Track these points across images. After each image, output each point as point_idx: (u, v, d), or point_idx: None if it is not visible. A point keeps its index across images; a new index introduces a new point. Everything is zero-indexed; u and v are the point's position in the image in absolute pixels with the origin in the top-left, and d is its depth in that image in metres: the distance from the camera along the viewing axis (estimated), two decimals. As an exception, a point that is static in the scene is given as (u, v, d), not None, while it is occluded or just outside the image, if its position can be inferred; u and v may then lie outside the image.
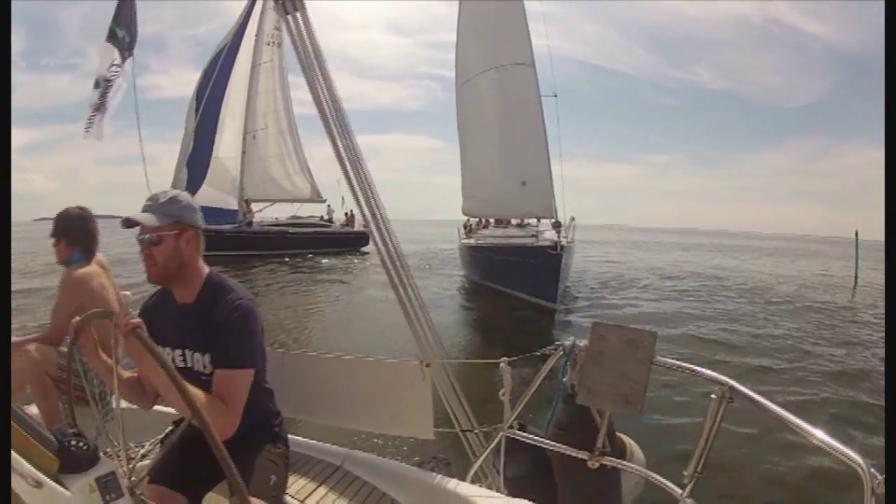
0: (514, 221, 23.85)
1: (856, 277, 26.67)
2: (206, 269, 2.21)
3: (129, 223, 2.06)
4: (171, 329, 2.11)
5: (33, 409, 3.09)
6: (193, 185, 29.04)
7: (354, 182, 3.08)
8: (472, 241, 22.77)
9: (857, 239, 29.60)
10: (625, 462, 2.89)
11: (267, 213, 34.01)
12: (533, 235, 18.37)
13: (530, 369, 3.35)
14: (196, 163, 29.42)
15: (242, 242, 29.90)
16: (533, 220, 21.22)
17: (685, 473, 2.42)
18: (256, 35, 32.69)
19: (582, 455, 2.81)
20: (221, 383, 2.01)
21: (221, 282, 2.20)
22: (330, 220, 36.04)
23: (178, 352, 2.13)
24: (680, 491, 2.42)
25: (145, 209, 2.10)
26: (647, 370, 2.74)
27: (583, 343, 3.00)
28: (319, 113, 3.05)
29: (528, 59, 20.33)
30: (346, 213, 35.53)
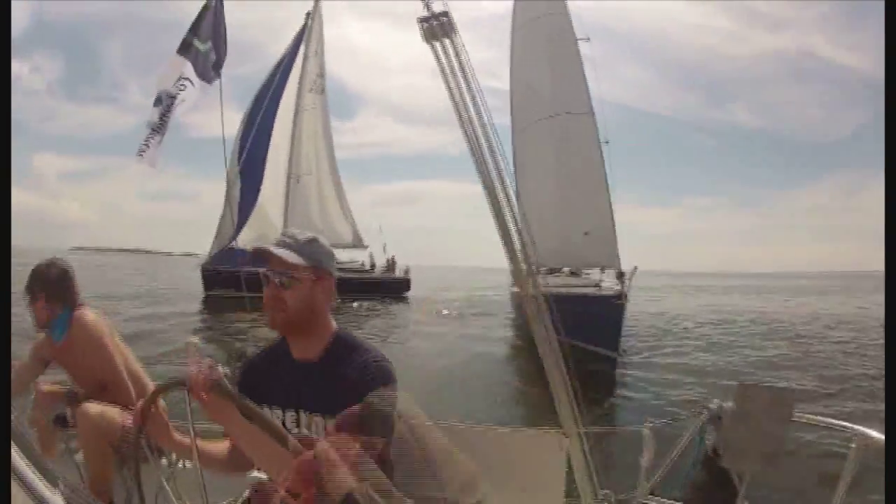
0: (565, 269, 23.57)
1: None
2: (334, 325, 1.93)
3: (260, 255, 1.81)
4: (284, 388, 1.84)
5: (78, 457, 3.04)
6: (238, 227, 29.52)
7: (509, 219, 2.94)
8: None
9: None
10: None
11: None
12: (596, 285, 18.26)
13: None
14: (243, 205, 29.80)
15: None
16: (588, 271, 21.31)
17: None
18: (300, 80, 33.55)
19: None
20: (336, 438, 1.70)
21: (353, 339, 1.93)
22: (372, 266, 36.23)
23: (291, 413, 1.84)
24: None
25: (281, 244, 1.82)
26: (785, 427, 2.91)
27: (728, 404, 3.10)
28: (469, 144, 2.88)
29: (587, 107, 20.57)
30: (388, 259, 36.19)
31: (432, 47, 2.79)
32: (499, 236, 2.95)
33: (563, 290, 19.25)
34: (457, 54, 2.80)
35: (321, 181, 34.56)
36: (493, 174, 2.89)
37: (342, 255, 35.25)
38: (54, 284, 3.07)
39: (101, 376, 3.01)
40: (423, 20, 2.75)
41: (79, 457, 3.00)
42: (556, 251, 20.14)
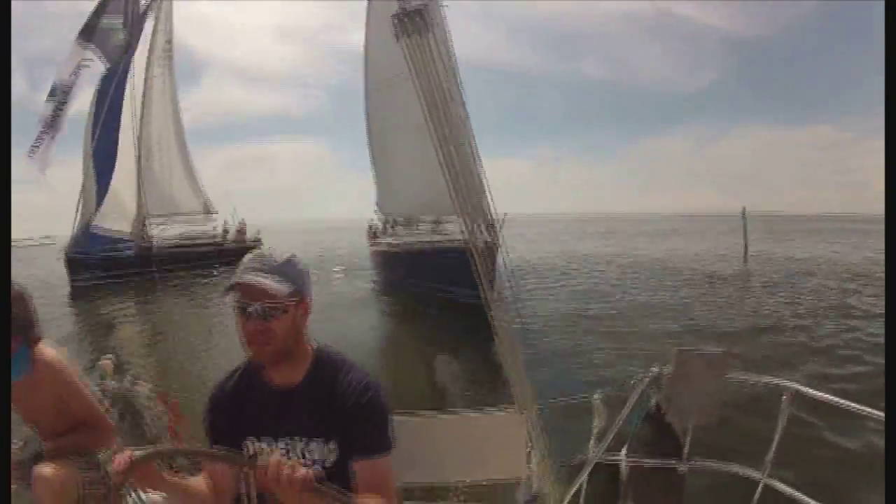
0: (424, 220, 24.10)
1: (746, 253, 29.80)
2: (311, 345, 1.87)
3: (245, 289, 1.67)
4: (268, 418, 1.76)
5: None
6: (97, 208, 28.34)
7: (463, 195, 3.00)
8: (385, 246, 23.08)
9: (744, 215, 32.74)
10: (711, 461, 3.26)
11: (166, 233, 33.66)
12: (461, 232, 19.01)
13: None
14: (99, 187, 28.50)
15: (145, 263, 29.21)
16: (448, 219, 22.01)
17: (766, 460, 2.88)
18: (150, 50, 32.30)
19: (672, 464, 3.19)
20: (370, 474, 1.72)
21: (333, 358, 1.87)
22: (225, 233, 35.79)
23: (283, 442, 1.77)
24: (759, 474, 2.91)
25: (259, 271, 1.69)
26: (723, 386, 3.26)
27: (667, 368, 3.37)
28: (438, 141, 2.89)
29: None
30: (240, 223, 36.10)
31: (404, 45, 2.76)
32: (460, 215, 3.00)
33: (429, 243, 20.13)
34: (434, 52, 2.74)
35: (170, 155, 33.64)
36: (458, 179, 2.98)
37: (194, 228, 35.04)
38: (13, 315, 2.53)
39: (78, 415, 2.69)
40: (397, 16, 2.74)
41: None
42: (424, 201, 20.75)
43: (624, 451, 3.41)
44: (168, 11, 33.84)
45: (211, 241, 34.67)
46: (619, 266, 27.47)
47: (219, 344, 13.39)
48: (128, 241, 30.55)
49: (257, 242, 35.63)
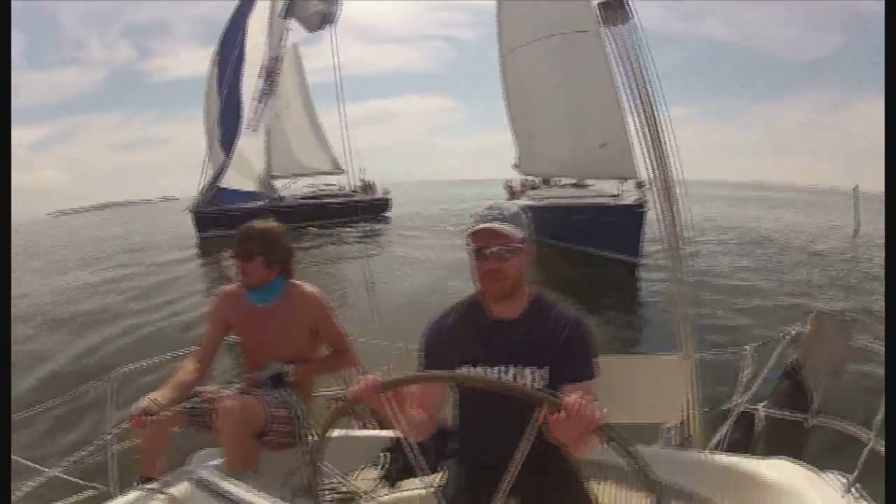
0: (563, 181, 24.37)
1: (857, 229, 28.31)
2: (528, 286, 2.06)
3: (495, 234, 1.89)
4: (481, 346, 1.92)
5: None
6: (223, 167, 29.63)
7: (652, 159, 3.00)
8: (534, 201, 22.35)
9: (856, 193, 31.16)
10: (835, 419, 3.39)
11: (291, 188, 34.96)
12: (614, 195, 19.07)
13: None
14: (225, 145, 29.77)
15: (276, 218, 29.86)
16: (590, 182, 22.28)
17: (877, 420, 2.81)
18: (270, 17, 32.67)
19: (802, 417, 3.44)
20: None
21: (545, 298, 2.08)
22: (354, 190, 36.40)
23: (499, 368, 1.93)
24: (868, 435, 2.88)
25: (495, 219, 1.91)
26: (849, 350, 3.60)
27: (805, 329, 3.72)
28: (636, 124, 2.95)
29: (592, 25, 20.33)
30: (362, 180, 36.49)
31: (608, 31, 2.93)
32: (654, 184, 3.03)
33: (578, 200, 20.09)
34: (632, 41, 2.87)
35: (296, 113, 34.62)
36: (655, 163, 3.01)
37: (323, 181, 36.28)
38: (277, 248, 2.89)
39: (332, 342, 2.98)
40: (601, 5, 2.92)
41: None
42: (570, 162, 20.80)
43: (763, 403, 3.69)
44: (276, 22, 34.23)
45: (343, 196, 35.43)
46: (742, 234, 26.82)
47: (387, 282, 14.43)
48: (259, 193, 31.50)
49: (387, 197, 36.61)
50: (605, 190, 20.66)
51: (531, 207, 21.78)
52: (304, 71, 36.23)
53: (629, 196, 17.72)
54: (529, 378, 1.90)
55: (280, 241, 2.90)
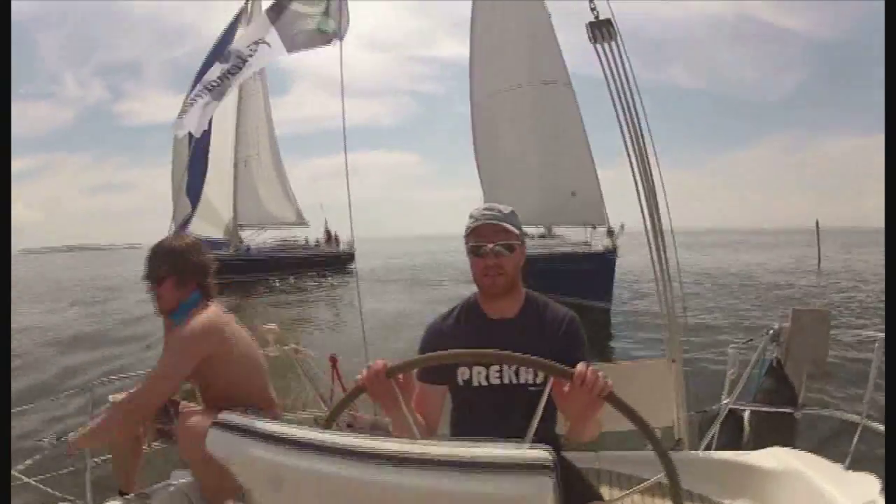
0: (535, 231, 24.66)
1: (819, 262, 31.64)
2: (521, 287, 2.12)
3: (494, 230, 1.96)
4: (480, 346, 1.81)
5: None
6: (190, 214, 29.61)
7: (643, 192, 3.24)
8: None
9: (818, 228, 34.81)
10: (821, 408, 3.75)
11: (256, 239, 35.20)
12: (584, 243, 19.83)
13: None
14: (192, 193, 29.88)
15: (240, 268, 30.28)
16: (558, 230, 23.01)
17: (864, 403, 3.23)
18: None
19: (788, 411, 3.69)
20: None
21: (539, 297, 2.14)
22: (317, 242, 37.05)
23: (495, 369, 1.98)
24: (858, 417, 3.22)
25: (493, 217, 1.99)
26: (827, 339, 3.82)
27: (785, 324, 3.92)
28: (625, 137, 3.18)
29: (564, 77, 21.51)
30: (326, 232, 36.97)
31: (596, 49, 3.16)
32: (641, 209, 3.26)
33: (545, 250, 20.29)
34: (621, 56, 3.14)
35: (264, 163, 34.96)
36: (639, 167, 3.22)
37: (285, 234, 36.43)
38: (185, 263, 2.66)
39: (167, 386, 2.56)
40: (591, 24, 3.14)
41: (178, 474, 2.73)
42: (541, 210, 21.07)
43: (750, 401, 3.97)
44: (259, 15, 35.04)
45: (307, 248, 35.97)
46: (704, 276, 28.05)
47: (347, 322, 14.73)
48: (225, 243, 32.04)
49: (350, 251, 36.81)
50: (571, 238, 21.21)
51: None
52: (273, 122, 36.65)
53: (597, 243, 18.40)
54: (524, 376, 1.95)
55: (191, 257, 2.67)
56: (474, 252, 1.99)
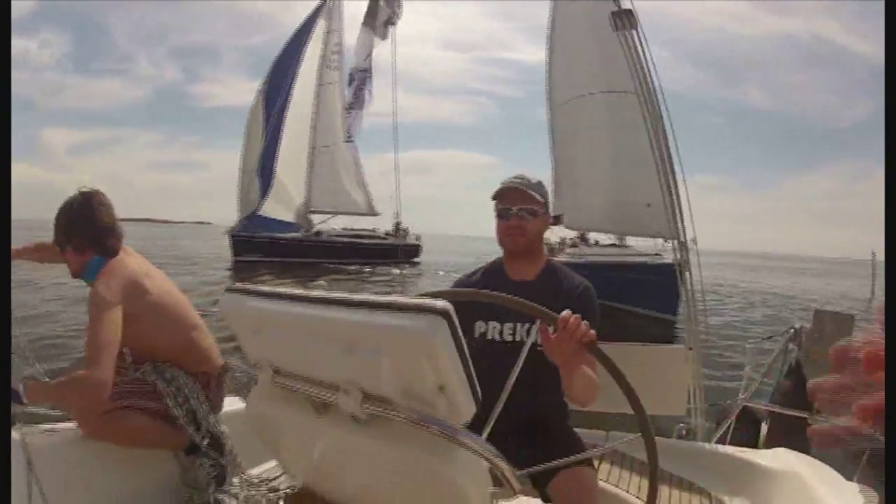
0: (605, 240, 25.63)
1: (872, 292, 31.01)
2: (545, 253, 2.27)
3: (511, 191, 2.12)
4: (499, 305, 1.87)
5: None
6: (262, 196, 31.15)
7: (665, 184, 3.61)
8: (574, 259, 23.22)
9: (874, 259, 33.17)
10: (837, 419, 3.79)
11: (326, 225, 35.95)
12: (657, 254, 20.12)
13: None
14: (264, 175, 31.38)
15: (309, 251, 31.41)
16: (630, 240, 23.35)
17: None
18: (322, 56, 35.18)
19: (804, 415, 3.57)
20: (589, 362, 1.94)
21: (558, 265, 2.30)
22: (387, 234, 37.55)
23: (509, 325, 2.10)
24: (870, 432, 3.30)
25: (521, 185, 2.13)
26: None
27: (806, 325, 4.03)
28: (650, 130, 3.57)
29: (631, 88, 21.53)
30: (396, 225, 37.85)
31: (620, 36, 3.49)
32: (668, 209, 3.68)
33: (618, 258, 21.07)
34: (642, 43, 3.48)
35: (340, 151, 35.80)
36: (660, 145, 3.60)
37: (358, 223, 36.74)
38: (79, 228, 2.42)
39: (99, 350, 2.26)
40: (614, 14, 3.54)
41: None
42: (614, 217, 21.28)
43: (767, 400, 3.96)
44: (339, 13, 36.51)
45: (377, 237, 36.47)
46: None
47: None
48: (295, 224, 33.23)
49: (418, 244, 37.98)
50: (642, 249, 21.31)
51: (570, 265, 22.83)
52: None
53: (669, 255, 18.39)
54: (536, 335, 1.94)
55: (80, 219, 2.40)
56: (500, 215, 2.16)
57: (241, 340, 1.32)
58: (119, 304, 2.25)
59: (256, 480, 2.33)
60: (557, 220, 25.24)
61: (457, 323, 1.04)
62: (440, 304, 1.02)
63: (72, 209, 2.40)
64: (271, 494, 2.14)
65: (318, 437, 1.25)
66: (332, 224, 35.72)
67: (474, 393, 1.09)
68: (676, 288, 16.25)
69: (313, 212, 34.86)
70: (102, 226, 2.40)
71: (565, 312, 1.63)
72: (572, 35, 22.52)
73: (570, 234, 27.05)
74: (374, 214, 37.40)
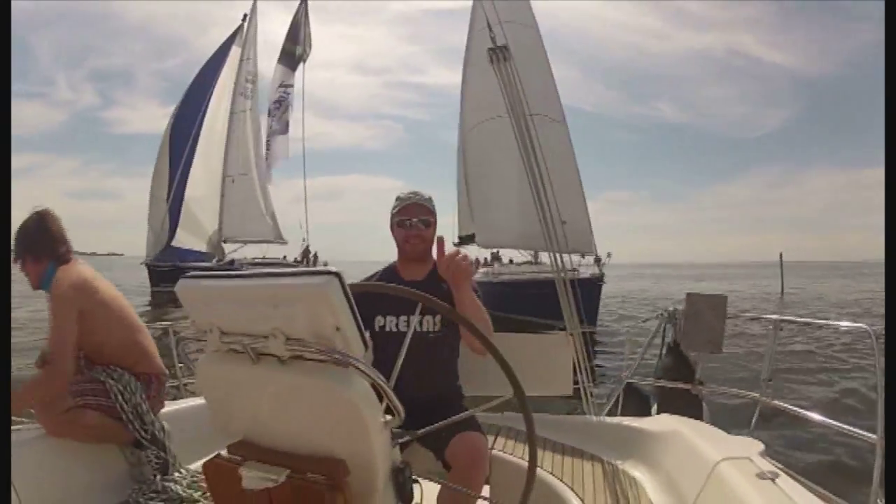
0: (519, 258, 26.45)
1: (782, 291, 34.55)
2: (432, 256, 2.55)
3: (414, 205, 2.51)
4: (394, 301, 2.23)
5: None
6: (172, 226, 30.90)
7: (542, 200, 3.98)
8: (487, 278, 24.33)
9: (781, 260, 37.76)
10: (714, 385, 4.07)
11: (239, 254, 35.51)
12: (573, 269, 20.59)
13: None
14: (174, 205, 31.23)
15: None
16: (544, 257, 23.65)
17: (763, 378, 3.66)
18: (235, 83, 35.19)
19: (686, 386, 4.09)
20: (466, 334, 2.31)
21: None
22: (296, 261, 36.82)
23: (403, 318, 2.43)
24: (757, 394, 3.64)
25: (419, 201, 2.53)
26: (724, 322, 4.21)
27: (680, 307, 4.39)
28: (521, 148, 3.98)
29: (559, 115, 22.74)
30: (306, 250, 37.22)
31: (496, 70, 3.93)
32: (543, 230, 4.00)
33: (536, 275, 21.35)
34: (515, 75, 3.91)
35: (251, 180, 35.61)
36: (535, 170, 3.97)
37: (269, 251, 36.55)
38: (35, 241, 2.69)
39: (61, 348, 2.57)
40: (490, 49, 3.99)
41: None
42: (529, 235, 21.30)
43: (650, 376, 4.37)
44: (253, 41, 36.68)
45: (286, 265, 35.85)
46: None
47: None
48: (209, 254, 33.18)
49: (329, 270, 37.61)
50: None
51: (484, 283, 22.53)
52: (262, 144, 37.44)
53: (584, 271, 19.61)
54: (430, 324, 2.45)
55: (34, 231, 2.69)
56: (401, 224, 2.53)
57: (194, 313, 1.51)
58: (74, 303, 2.53)
59: (196, 471, 2.59)
60: (469, 240, 25.84)
61: (345, 282, 1.31)
62: (334, 269, 1.31)
63: (28, 226, 2.68)
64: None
65: (254, 383, 1.47)
66: (244, 252, 35.32)
67: (361, 335, 1.36)
68: (597, 300, 17.51)
69: (226, 241, 34.61)
70: (55, 236, 2.69)
71: (452, 250, 2.10)
72: (485, 61, 23.06)
73: (484, 253, 28.07)
74: (283, 242, 37.32)
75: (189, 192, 32.39)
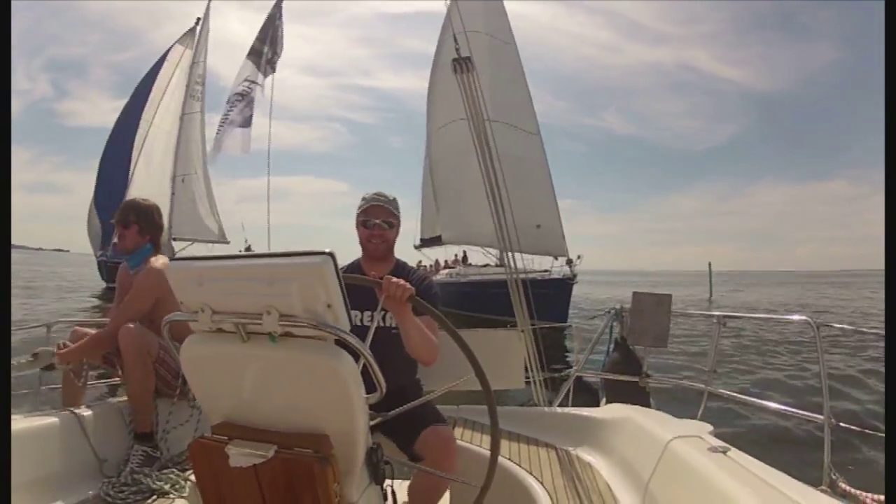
0: (484, 260, 26.85)
1: (710, 296, 36.40)
2: (394, 256, 2.73)
3: (381, 210, 2.61)
4: (360, 297, 2.15)
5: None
6: (108, 226, 30.63)
7: (496, 201, 4.10)
8: (456, 278, 24.77)
9: (710, 269, 40.17)
10: (661, 375, 4.13)
11: (187, 252, 35.10)
12: (545, 270, 21.50)
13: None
14: (112, 202, 30.83)
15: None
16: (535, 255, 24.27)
17: (706, 369, 3.93)
18: (187, 86, 35.48)
19: (634, 379, 4.26)
20: (426, 325, 2.35)
21: (408, 264, 2.82)
22: None
23: (368, 313, 2.50)
24: (703, 386, 3.87)
25: (385, 203, 2.63)
26: (668, 318, 4.42)
27: (627, 305, 4.60)
28: (479, 154, 4.06)
29: (534, 128, 23.44)
30: (248, 249, 37.23)
31: (458, 79, 4.07)
32: (496, 229, 4.18)
33: (501, 276, 21.70)
34: (477, 86, 4.04)
35: (199, 180, 35.94)
36: (491, 174, 4.09)
37: (213, 250, 36.43)
38: (150, 220, 3.19)
39: (126, 318, 2.97)
40: (455, 60, 4.14)
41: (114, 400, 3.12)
42: (495, 236, 21.84)
43: (600, 369, 4.60)
44: (205, 43, 36.75)
45: None
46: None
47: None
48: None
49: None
50: (527, 266, 22.24)
51: (451, 284, 23.37)
52: (207, 141, 37.34)
53: (556, 272, 20.56)
54: (390, 319, 2.49)
55: (154, 217, 3.22)
56: (364, 225, 2.63)
57: (184, 294, 1.55)
58: (155, 291, 2.95)
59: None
60: (433, 242, 25.82)
61: (338, 262, 1.37)
62: (328, 249, 1.36)
63: (151, 207, 3.22)
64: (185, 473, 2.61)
65: (242, 361, 1.50)
66: (191, 251, 34.97)
67: (348, 312, 1.43)
68: (567, 299, 18.80)
69: (176, 239, 34.41)
70: (162, 227, 3.24)
71: (386, 279, 2.02)
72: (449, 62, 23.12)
73: (447, 257, 28.97)
74: (226, 242, 37.36)
75: (133, 191, 31.31)
